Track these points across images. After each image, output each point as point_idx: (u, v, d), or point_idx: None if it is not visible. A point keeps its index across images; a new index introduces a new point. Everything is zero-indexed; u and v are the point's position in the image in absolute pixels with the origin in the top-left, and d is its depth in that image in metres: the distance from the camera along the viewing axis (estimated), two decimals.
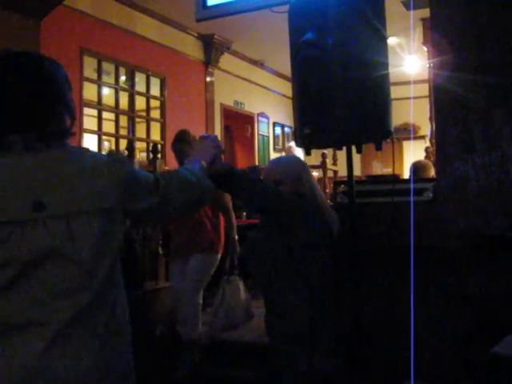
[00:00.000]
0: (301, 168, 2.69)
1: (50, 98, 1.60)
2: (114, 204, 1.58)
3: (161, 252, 5.19)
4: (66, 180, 1.53)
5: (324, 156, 8.64)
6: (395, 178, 3.42)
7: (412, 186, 2.78)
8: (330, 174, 8.69)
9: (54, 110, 1.61)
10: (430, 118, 7.88)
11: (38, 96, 1.57)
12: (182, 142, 4.47)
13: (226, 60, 10.81)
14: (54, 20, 6.42)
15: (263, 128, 12.39)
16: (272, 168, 2.76)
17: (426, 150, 7.50)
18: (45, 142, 1.55)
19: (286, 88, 10.95)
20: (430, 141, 8.07)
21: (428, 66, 6.74)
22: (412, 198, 2.57)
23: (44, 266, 1.47)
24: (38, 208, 1.47)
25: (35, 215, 1.46)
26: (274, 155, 12.68)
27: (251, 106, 11.88)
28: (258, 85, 12.07)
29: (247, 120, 11.99)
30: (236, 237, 4.54)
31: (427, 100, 8.25)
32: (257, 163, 11.83)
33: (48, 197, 1.49)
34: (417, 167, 4.39)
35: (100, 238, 1.54)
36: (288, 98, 10.83)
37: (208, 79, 10.45)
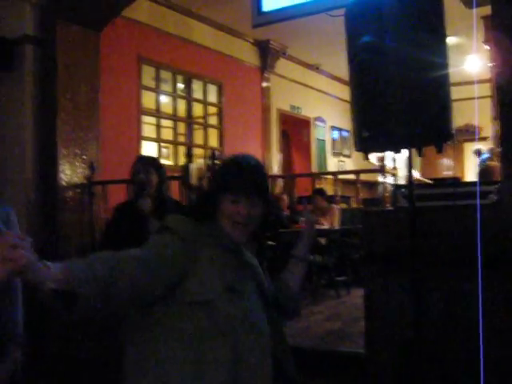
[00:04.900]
0: None
1: None
2: None
3: None
4: None
5: (382, 159, 8.52)
6: (457, 181, 3.33)
7: (478, 188, 2.68)
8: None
9: None
10: (493, 119, 7.65)
11: None
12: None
13: (282, 65, 10.81)
14: (112, 31, 6.57)
15: (320, 132, 12.30)
16: None
17: (491, 150, 7.29)
18: None
19: (343, 91, 10.85)
20: (494, 142, 7.83)
21: (490, 65, 6.56)
22: (478, 201, 2.48)
23: None
24: None
25: None
26: (331, 160, 12.58)
27: (308, 110, 11.83)
28: (314, 89, 12.01)
29: (304, 124, 11.94)
30: None
31: (489, 100, 8.02)
32: (313, 168, 11.75)
33: None
34: (485, 171, 4.24)
35: None
36: (345, 101, 10.73)
37: (264, 84, 10.48)
